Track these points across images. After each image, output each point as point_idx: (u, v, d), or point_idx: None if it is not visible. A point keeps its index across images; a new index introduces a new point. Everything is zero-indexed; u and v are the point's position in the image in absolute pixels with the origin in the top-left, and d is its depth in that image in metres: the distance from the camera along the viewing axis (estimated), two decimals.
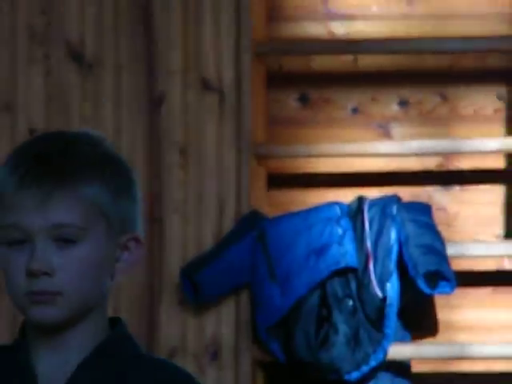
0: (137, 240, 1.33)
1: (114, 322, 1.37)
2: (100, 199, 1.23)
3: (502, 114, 3.05)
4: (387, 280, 3.02)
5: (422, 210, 3.03)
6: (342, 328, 3.00)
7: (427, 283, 2.98)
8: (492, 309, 3.04)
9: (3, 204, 1.24)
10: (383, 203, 3.02)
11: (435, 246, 3.00)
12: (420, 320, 3.08)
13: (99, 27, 3.31)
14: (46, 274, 1.20)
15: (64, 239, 1.22)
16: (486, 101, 3.10)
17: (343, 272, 3.00)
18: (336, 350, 2.98)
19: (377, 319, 3.01)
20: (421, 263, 2.97)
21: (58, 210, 1.22)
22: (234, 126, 3.04)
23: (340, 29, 3.17)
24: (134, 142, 3.08)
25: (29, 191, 1.22)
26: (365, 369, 3.00)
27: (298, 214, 3.08)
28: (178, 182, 3.07)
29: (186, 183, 3.07)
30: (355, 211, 3.01)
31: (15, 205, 1.24)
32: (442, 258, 3.01)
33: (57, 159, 1.25)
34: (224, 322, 3.04)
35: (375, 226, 3.01)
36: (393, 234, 3.01)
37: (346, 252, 3.00)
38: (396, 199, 3.03)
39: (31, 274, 1.20)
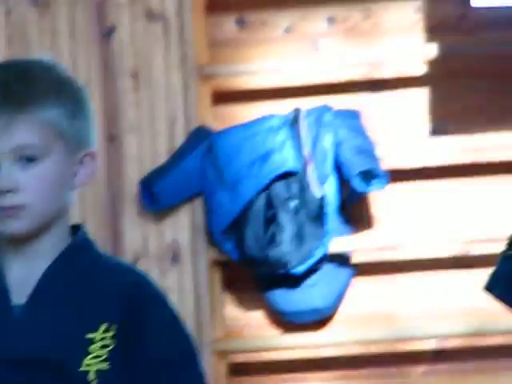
0: (91, 155, 1.49)
1: (77, 229, 1.50)
2: (57, 121, 1.37)
3: (419, 25, 3.32)
4: (325, 181, 3.29)
5: (352, 116, 3.27)
6: (287, 227, 3.25)
7: (362, 181, 3.26)
8: (421, 201, 3.35)
9: None
10: (317, 112, 3.26)
11: (366, 148, 3.26)
12: (357, 215, 3.39)
13: None
14: (10, 191, 1.33)
15: (27, 158, 1.35)
16: (405, 14, 3.37)
17: (285, 176, 3.23)
18: (283, 246, 3.22)
19: (318, 217, 3.26)
20: (355, 164, 3.23)
21: (21, 132, 1.35)
22: (178, 50, 3.22)
23: None
24: (90, 69, 3.28)
25: None
26: (310, 262, 3.27)
27: (241, 126, 3.31)
28: (131, 103, 3.28)
29: (138, 105, 3.29)
30: (293, 121, 3.26)
31: None
32: (373, 158, 3.29)
33: (16, 86, 1.37)
34: (181, 227, 3.27)
35: (311, 134, 3.26)
36: (327, 140, 3.27)
37: (286, 158, 3.24)
38: (328, 108, 3.28)
39: None
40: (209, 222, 3.33)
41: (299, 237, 3.23)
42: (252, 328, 3.39)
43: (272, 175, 3.20)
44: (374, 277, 3.31)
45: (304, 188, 3.23)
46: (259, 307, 3.37)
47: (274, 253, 3.22)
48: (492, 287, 1.50)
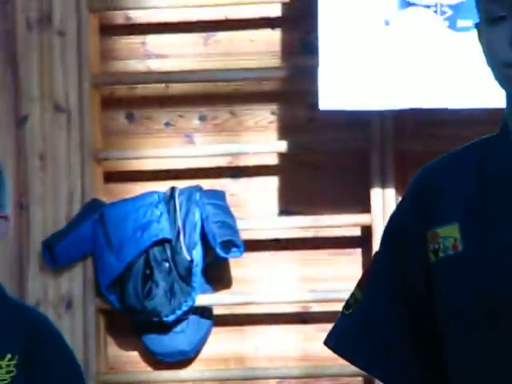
0: (5, 217, 1.98)
1: None
2: None
3: (275, 125, 4.04)
4: (193, 248, 3.94)
5: (218, 196, 3.94)
6: (161, 283, 3.89)
7: (223, 249, 3.93)
8: (271, 267, 4.03)
9: None
10: (189, 192, 3.93)
11: (228, 222, 3.96)
12: (219, 276, 4.05)
13: None
14: None
15: None
16: (263, 115, 4.07)
17: (161, 242, 3.89)
18: (157, 299, 3.84)
19: (186, 276, 3.92)
20: (218, 235, 3.91)
21: None
22: (78, 137, 3.87)
23: (155, 64, 4.09)
24: (5, 150, 3.93)
25: None
26: (178, 313, 3.87)
27: (127, 200, 3.98)
28: (38, 179, 3.91)
29: (44, 180, 3.91)
30: (169, 198, 3.94)
31: None
32: (234, 230, 3.97)
33: None
34: (75, 280, 3.88)
35: (184, 209, 3.92)
36: (197, 214, 3.93)
37: (162, 227, 3.89)
38: (198, 188, 3.96)
39: None
40: (97, 277, 3.93)
41: (171, 292, 3.85)
42: (129, 365, 3.99)
43: (150, 241, 3.85)
44: (231, 327, 3.94)
45: (176, 252, 3.88)
46: (136, 348, 3.97)
47: (150, 304, 3.83)
48: (329, 341, 1.57)
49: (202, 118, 4.01)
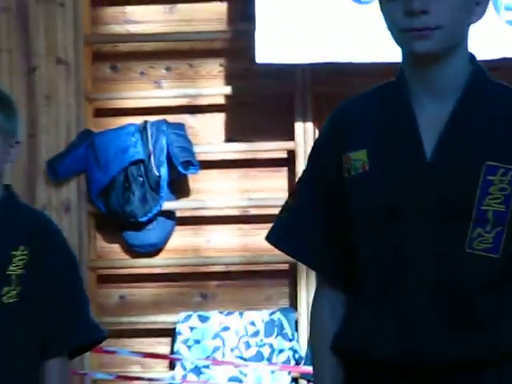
0: (17, 143, 2.34)
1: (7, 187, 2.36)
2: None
3: (222, 75, 5.03)
4: (161, 166, 4.90)
5: (180, 128, 4.88)
6: (137, 193, 4.81)
7: (183, 168, 4.87)
8: (219, 181, 5.14)
9: None
10: (158, 124, 4.89)
11: (187, 147, 4.92)
12: (180, 188, 4.96)
13: None
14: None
15: None
16: (213, 67, 5.03)
17: (137, 162, 4.83)
18: (134, 205, 4.81)
19: (156, 188, 4.87)
20: (179, 156, 4.92)
21: None
22: (74, 83, 4.82)
23: (132, 28, 5.02)
24: (20, 93, 4.72)
25: None
26: (150, 215, 4.85)
27: (111, 130, 4.91)
28: (44, 115, 4.81)
29: (49, 115, 4.88)
30: (143, 129, 4.90)
31: None
32: (191, 153, 4.89)
33: None
34: (72, 191, 4.89)
35: (154, 137, 4.85)
36: (163, 141, 4.90)
37: (138, 151, 4.87)
38: (165, 122, 4.88)
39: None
40: (89, 188, 4.92)
41: (144, 199, 4.85)
42: (113, 254, 5.00)
43: (129, 161, 4.85)
44: (189, 226, 4.95)
45: (148, 170, 4.85)
46: (118, 242, 4.98)
47: (128, 208, 4.85)
48: (268, 236, 1.78)
49: (168, 69, 4.97)
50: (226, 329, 4.86)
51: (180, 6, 4.91)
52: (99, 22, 5.01)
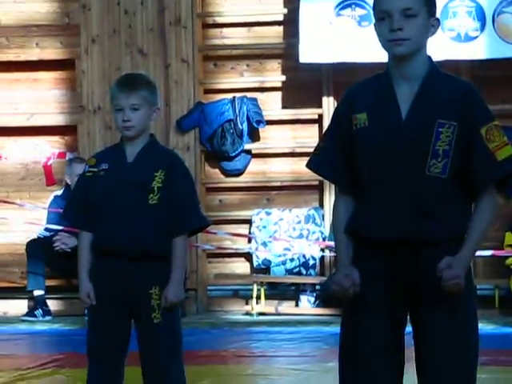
0: (158, 109, 3.62)
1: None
2: (147, 94, 3.48)
3: None
4: (243, 123, 7.86)
5: (254, 101, 8.09)
6: (229, 139, 7.67)
7: (256, 124, 8.18)
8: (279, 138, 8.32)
9: None
10: (240, 98, 8.00)
11: (258, 112, 8.18)
12: (254, 136, 8.30)
13: None
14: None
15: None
16: None
17: (229, 121, 7.69)
18: (227, 146, 7.74)
19: (240, 136, 8.05)
20: (254, 117, 8.15)
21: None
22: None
23: None
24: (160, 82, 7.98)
25: None
26: (236, 152, 7.77)
27: (214, 102, 7.87)
28: (174, 89, 8.12)
29: (177, 90, 8.16)
30: (232, 101, 7.89)
31: None
32: (261, 115, 8.21)
33: (130, 79, 3.68)
34: (191, 138, 7.97)
35: (239, 106, 7.82)
36: (244, 108, 8.01)
37: (229, 114, 7.67)
38: (245, 97, 8.18)
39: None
40: (200, 136, 7.84)
41: (233, 143, 7.73)
42: (214, 174, 7.95)
43: (224, 120, 7.75)
44: (260, 158, 8.10)
45: (235, 125, 7.74)
46: (218, 168, 7.95)
47: (224, 148, 7.75)
48: (309, 164, 2.68)
49: (247, 65, 7.92)
50: (281, 219, 7.91)
51: (255, 28, 7.92)
52: (207, 37, 8.04)
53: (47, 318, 7.62)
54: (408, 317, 2.69)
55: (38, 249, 7.61)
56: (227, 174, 8.06)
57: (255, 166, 8.07)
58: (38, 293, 7.61)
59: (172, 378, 3.76)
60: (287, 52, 7.97)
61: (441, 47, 7.37)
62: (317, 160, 2.70)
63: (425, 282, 2.58)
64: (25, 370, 5.61)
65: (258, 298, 7.64)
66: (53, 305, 7.82)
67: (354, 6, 7.76)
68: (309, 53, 7.68)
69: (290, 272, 7.91)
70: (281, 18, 8.01)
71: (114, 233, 3.56)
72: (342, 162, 2.63)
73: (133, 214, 3.54)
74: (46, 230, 7.74)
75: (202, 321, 7.52)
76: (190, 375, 3.98)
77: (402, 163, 2.51)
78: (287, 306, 7.93)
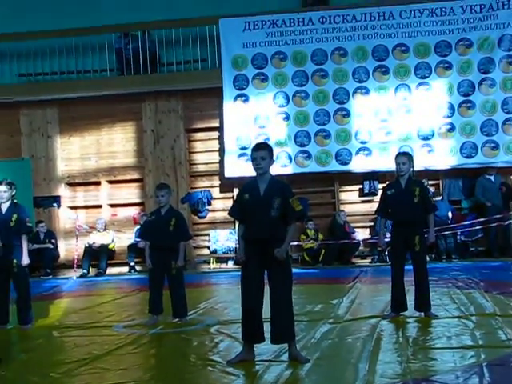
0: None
1: None
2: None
3: None
4: None
5: None
6: None
7: None
8: None
9: None
10: None
11: None
12: None
13: None
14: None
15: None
16: None
17: None
18: None
19: None
20: None
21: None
22: None
23: None
24: None
25: None
26: None
27: None
28: None
29: None
30: None
31: None
32: None
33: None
34: None
35: None
36: None
37: None
38: None
39: None
40: (189, 204, 20.32)
41: (202, 207, 20.34)
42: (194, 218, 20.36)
43: (197, 198, 20.33)
44: None
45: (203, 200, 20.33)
46: (196, 215, 20.33)
47: (198, 209, 20.35)
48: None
49: None
50: (219, 236, 20.39)
51: None
52: None
53: None
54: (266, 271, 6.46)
55: None
56: (199, 217, 19.20)
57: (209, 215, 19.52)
58: None
59: (180, 294, 9.32)
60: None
61: None
62: (231, 210, 6.55)
63: (271, 257, 6.18)
64: None
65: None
66: None
67: None
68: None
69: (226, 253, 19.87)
70: None
71: None
72: (240, 212, 6.40)
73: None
74: None
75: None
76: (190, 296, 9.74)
77: (259, 211, 6.18)
78: (227, 266, 18.23)
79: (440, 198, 17.07)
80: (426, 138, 17.46)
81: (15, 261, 9.00)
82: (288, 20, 17.53)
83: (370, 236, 17.58)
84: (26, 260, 8.96)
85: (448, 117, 17.39)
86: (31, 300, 9.35)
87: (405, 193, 8.63)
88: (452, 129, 17.37)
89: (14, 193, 9.01)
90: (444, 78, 17.40)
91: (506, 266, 14.72)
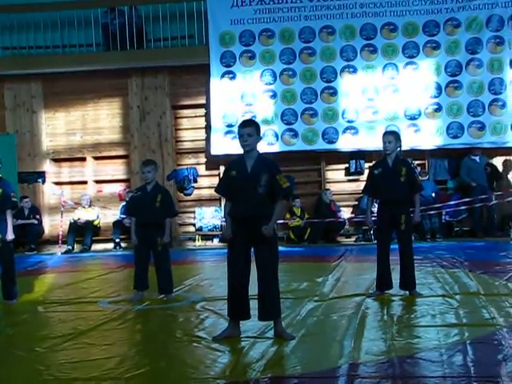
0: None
1: None
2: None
3: None
4: None
5: None
6: None
7: None
8: None
9: None
10: None
11: None
12: None
13: None
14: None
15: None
16: None
17: None
18: None
19: None
20: None
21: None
22: None
23: None
24: None
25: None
26: None
27: None
28: None
29: None
30: None
31: None
32: None
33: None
34: None
35: None
36: None
37: None
38: None
39: None
40: (175, 181, 20.31)
41: (187, 185, 20.40)
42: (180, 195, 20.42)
43: (183, 175, 20.33)
44: None
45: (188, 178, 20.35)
46: (181, 192, 20.42)
47: (184, 186, 20.33)
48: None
49: None
50: (208, 212, 20.42)
51: None
52: None
53: None
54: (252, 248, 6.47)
55: None
56: (185, 194, 19.28)
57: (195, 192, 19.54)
58: None
59: (166, 270, 9.40)
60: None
61: None
62: (218, 187, 6.62)
63: (258, 234, 6.20)
64: None
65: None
66: None
67: None
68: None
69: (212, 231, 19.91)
70: None
71: None
72: (227, 189, 6.44)
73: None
74: None
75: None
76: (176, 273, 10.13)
77: (247, 187, 6.21)
78: (212, 243, 18.68)
79: (426, 177, 16.94)
80: (412, 118, 17.42)
81: (0, 236, 8.77)
82: None
83: (354, 215, 17.48)
84: (10, 235, 8.87)
85: (435, 97, 17.45)
86: (16, 275, 9.31)
87: (392, 172, 8.65)
88: (439, 109, 17.34)
89: None
90: (432, 57, 17.42)
91: (490, 246, 14.79)
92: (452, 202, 17.17)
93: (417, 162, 17.29)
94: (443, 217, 17.22)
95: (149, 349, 6.37)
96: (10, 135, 18.81)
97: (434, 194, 17.31)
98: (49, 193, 19.00)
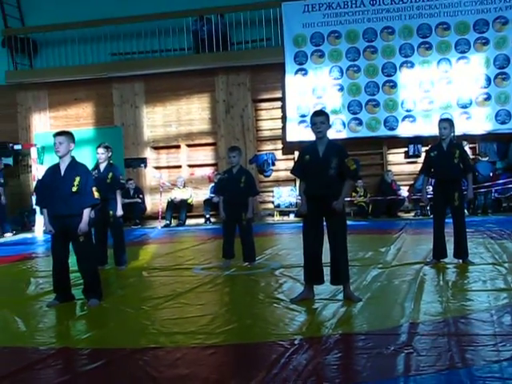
0: None
1: None
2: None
3: None
4: None
5: None
6: None
7: None
8: None
9: None
10: None
11: None
12: None
13: None
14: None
15: None
16: None
17: None
18: None
19: None
20: None
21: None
22: None
23: None
24: None
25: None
26: None
27: None
28: None
29: None
30: None
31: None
32: None
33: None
34: None
35: None
36: None
37: None
38: None
39: None
40: (256, 164, 20.14)
41: (267, 168, 20.27)
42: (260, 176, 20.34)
43: (263, 160, 20.28)
44: None
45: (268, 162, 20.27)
46: (262, 174, 20.31)
47: (264, 169, 20.26)
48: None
49: None
50: (282, 192, 20.23)
51: None
52: None
53: None
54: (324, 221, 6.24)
55: None
56: (265, 176, 19.01)
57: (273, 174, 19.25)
58: None
59: (249, 242, 9.15)
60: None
61: None
62: (294, 170, 6.37)
63: (329, 209, 6.03)
64: None
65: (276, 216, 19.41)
66: None
67: None
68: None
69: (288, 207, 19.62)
70: None
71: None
72: (301, 171, 6.17)
73: None
74: None
75: None
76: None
77: (319, 168, 5.89)
78: (289, 218, 18.52)
79: (486, 158, 16.71)
80: (464, 107, 16.86)
81: (111, 212, 9.02)
82: (342, 2, 17.09)
83: (412, 193, 17.18)
84: (119, 211, 8.97)
85: (485, 87, 16.85)
86: (125, 245, 9.30)
87: (446, 154, 8.43)
88: (488, 98, 16.75)
89: (110, 154, 8.99)
90: (481, 52, 16.80)
91: None
92: (501, 181, 16.63)
93: (469, 146, 16.55)
94: (493, 194, 16.66)
95: (236, 308, 6.33)
96: (117, 128, 18.88)
97: (491, 174, 16.81)
98: (150, 176, 18.79)
